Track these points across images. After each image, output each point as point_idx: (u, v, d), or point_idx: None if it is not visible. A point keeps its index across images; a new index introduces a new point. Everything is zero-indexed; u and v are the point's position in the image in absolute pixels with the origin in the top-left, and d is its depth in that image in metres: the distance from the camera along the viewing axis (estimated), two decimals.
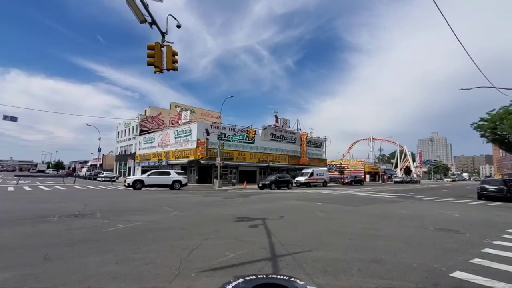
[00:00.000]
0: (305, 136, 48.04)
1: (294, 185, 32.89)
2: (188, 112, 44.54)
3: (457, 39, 11.02)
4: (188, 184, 34.14)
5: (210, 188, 27.90)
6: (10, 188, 21.43)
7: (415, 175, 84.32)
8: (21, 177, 33.01)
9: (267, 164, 41.74)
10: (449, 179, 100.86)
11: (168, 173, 25.13)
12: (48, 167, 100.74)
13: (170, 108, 61.03)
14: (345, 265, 4.67)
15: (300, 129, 49.49)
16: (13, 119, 35.28)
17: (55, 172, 74.80)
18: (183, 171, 31.23)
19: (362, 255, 5.27)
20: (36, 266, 4.30)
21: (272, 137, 43.42)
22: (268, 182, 28.70)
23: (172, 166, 38.04)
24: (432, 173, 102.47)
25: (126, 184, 23.20)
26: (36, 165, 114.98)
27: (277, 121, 44.98)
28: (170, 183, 24.00)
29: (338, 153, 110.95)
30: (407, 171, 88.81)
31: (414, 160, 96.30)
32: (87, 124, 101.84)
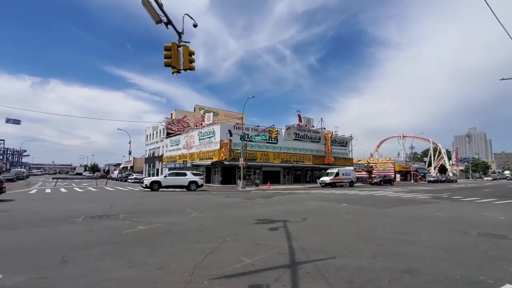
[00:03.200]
0: (330, 135, 46.74)
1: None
2: (211, 114, 45.11)
3: (499, 21, 9.92)
4: (212, 185, 34.57)
5: (233, 189, 27.90)
6: (47, 190, 22.85)
7: (451, 174, 79.02)
8: (59, 180, 35.21)
9: (291, 164, 41.12)
10: (489, 178, 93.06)
11: (185, 174, 25.17)
12: (85, 170, 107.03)
13: (194, 111, 62.27)
14: (374, 275, 4.17)
15: (324, 128, 48.21)
16: (16, 121, 37.07)
17: (91, 174, 79.29)
18: (200, 172, 31.39)
19: (392, 263, 4.72)
20: (50, 269, 4.29)
21: (296, 137, 42.67)
22: None
23: (197, 167, 38.67)
24: (471, 172, 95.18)
25: (144, 186, 23.33)
26: (74, 168, 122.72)
27: (300, 120, 44.15)
28: (186, 184, 24.08)
29: (366, 152, 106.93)
30: (442, 169, 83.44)
31: (449, 158, 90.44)
32: (118, 128, 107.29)
